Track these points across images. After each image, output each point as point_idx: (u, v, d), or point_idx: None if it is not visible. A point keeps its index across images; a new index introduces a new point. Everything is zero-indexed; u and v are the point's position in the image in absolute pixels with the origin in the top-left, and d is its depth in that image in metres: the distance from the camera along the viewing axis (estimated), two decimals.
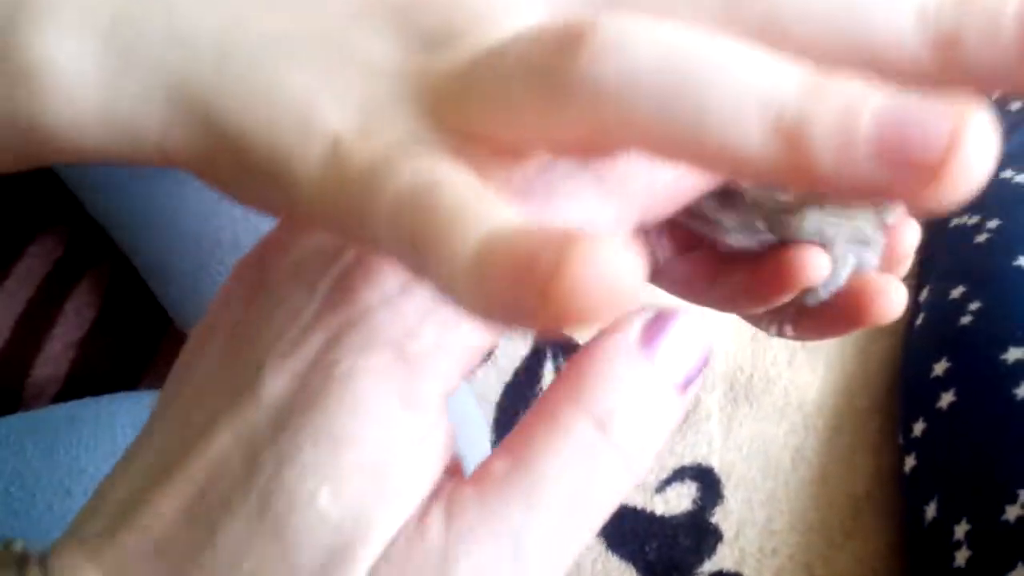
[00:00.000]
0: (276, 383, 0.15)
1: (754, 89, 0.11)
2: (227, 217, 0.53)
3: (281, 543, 0.14)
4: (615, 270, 0.10)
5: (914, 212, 0.10)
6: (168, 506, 0.15)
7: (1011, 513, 0.43)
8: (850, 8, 0.13)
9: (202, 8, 0.15)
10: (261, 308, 0.16)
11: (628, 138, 0.12)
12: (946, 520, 0.46)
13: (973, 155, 0.10)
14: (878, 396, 0.58)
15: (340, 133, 0.14)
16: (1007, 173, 0.61)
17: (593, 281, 0.10)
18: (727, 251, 0.22)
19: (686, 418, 0.55)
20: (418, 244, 0.12)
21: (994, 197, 0.60)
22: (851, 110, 0.11)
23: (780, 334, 0.25)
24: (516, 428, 0.15)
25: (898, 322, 0.62)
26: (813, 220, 0.21)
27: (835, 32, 0.13)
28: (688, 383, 0.15)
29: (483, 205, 0.12)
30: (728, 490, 0.54)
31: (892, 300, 0.21)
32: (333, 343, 0.15)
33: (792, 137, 0.11)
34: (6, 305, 0.58)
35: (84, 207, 0.59)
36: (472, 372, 0.15)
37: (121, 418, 0.48)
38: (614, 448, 0.14)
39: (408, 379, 0.14)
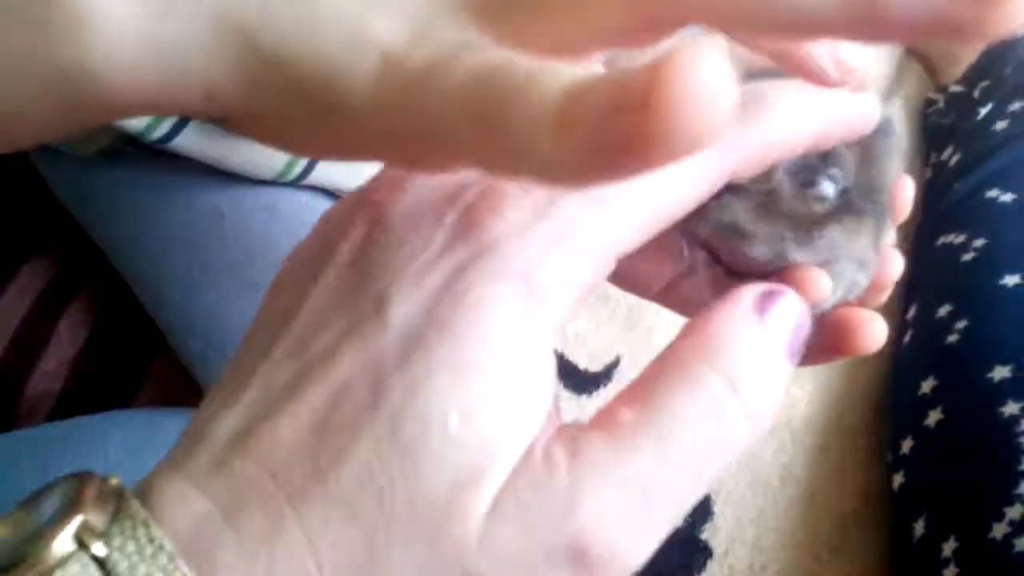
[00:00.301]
0: (403, 309, 0.15)
1: None
2: (219, 238, 0.53)
3: (412, 464, 0.14)
4: (714, 72, 0.10)
5: (970, 36, 0.11)
6: (288, 431, 0.14)
7: (998, 531, 0.43)
8: None
9: None
10: (384, 242, 0.16)
11: (692, 8, 0.13)
12: (934, 537, 0.46)
13: None
14: (866, 414, 0.58)
15: (390, 44, 0.14)
16: (993, 192, 0.61)
17: (694, 86, 0.10)
18: (739, 268, 0.23)
19: None
20: (491, 118, 0.12)
21: (980, 216, 0.60)
22: None
23: None
24: (639, 379, 0.15)
25: (889, 340, 0.62)
26: (831, 235, 0.22)
27: None
28: (792, 353, 0.16)
29: (552, 67, 0.12)
30: (718, 507, 0.54)
31: (875, 331, 0.21)
32: (461, 271, 0.15)
33: None
34: (1, 323, 0.58)
35: (79, 227, 0.59)
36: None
37: (114, 436, 0.48)
38: (741, 406, 0.15)
39: (533, 309, 0.15)
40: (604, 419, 0.15)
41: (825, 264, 0.22)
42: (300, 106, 0.15)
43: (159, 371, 0.60)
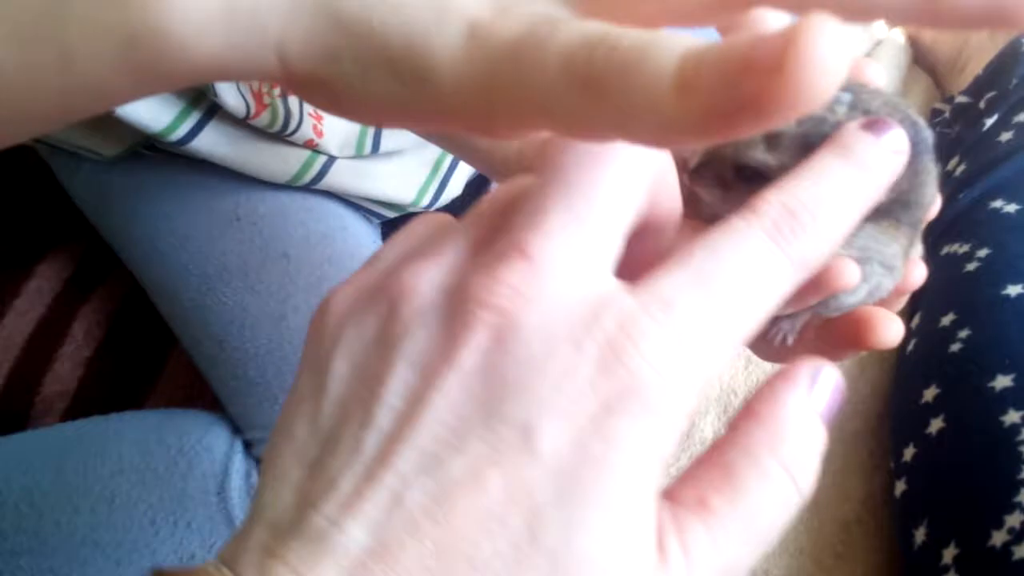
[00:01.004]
0: (554, 443, 0.15)
1: None
2: (233, 241, 0.54)
3: None
4: (836, 41, 0.11)
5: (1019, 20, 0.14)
6: (432, 558, 0.14)
7: (997, 538, 0.44)
8: None
9: None
10: (518, 360, 0.16)
11: None
12: (934, 544, 0.47)
13: None
14: (869, 421, 0.58)
15: (477, 15, 0.15)
16: (997, 203, 0.62)
17: (822, 52, 0.11)
18: None
19: (681, 441, 0.56)
20: (603, 83, 0.13)
21: (984, 226, 0.61)
22: None
23: (782, 342, 0.26)
24: (714, 461, 0.17)
25: (889, 350, 0.62)
26: (865, 235, 0.23)
27: None
28: (826, 420, 0.18)
29: (660, 35, 0.13)
30: None
31: (892, 327, 0.22)
32: (610, 410, 0.15)
33: None
34: (17, 324, 0.59)
35: (93, 228, 0.60)
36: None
37: (127, 436, 0.49)
38: (798, 492, 0.17)
39: (668, 444, 0.16)
40: (698, 506, 0.17)
41: (857, 261, 0.23)
42: (378, 74, 0.15)
43: (172, 371, 0.61)
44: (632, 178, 0.18)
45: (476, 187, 0.68)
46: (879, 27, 0.83)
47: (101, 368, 0.60)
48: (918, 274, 0.24)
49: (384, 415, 0.16)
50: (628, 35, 0.13)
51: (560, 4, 0.15)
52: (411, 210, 0.63)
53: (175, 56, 0.16)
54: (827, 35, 0.11)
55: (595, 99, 0.13)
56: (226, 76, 0.17)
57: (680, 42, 0.13)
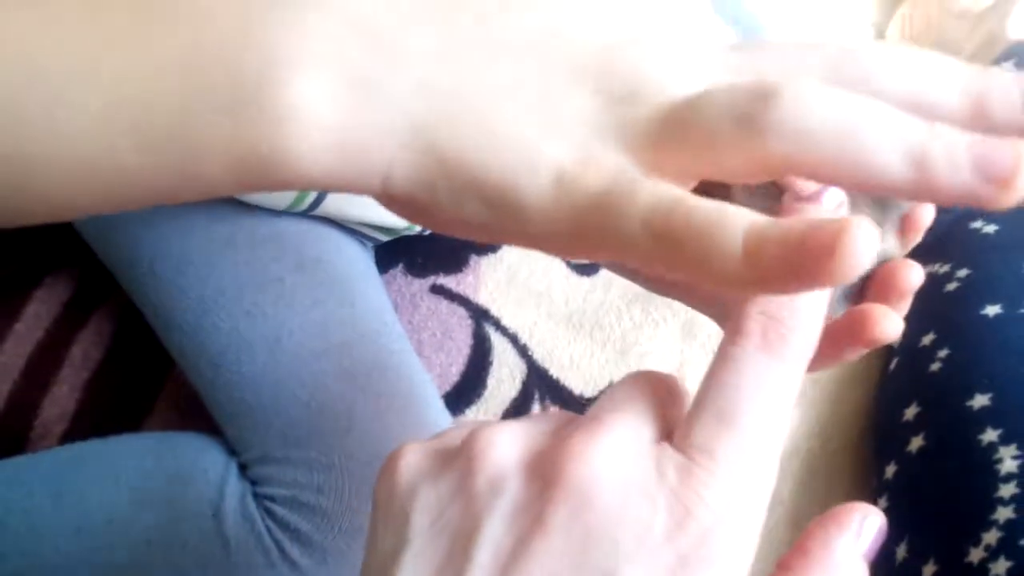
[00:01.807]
0: None
1: (896, 134, 0.16)
2: (230, 266, 0.55)
3: None
4: (869, 238, 0.15)
5: (989, 207, 0.17)
6: None
7: (974, 555, 0.45)
8: (918, 75, 0.18)
9: (438, 64, 0.18)
10: (602, 513, 0.18)
11: (799, 168, 0.17)
12: (915, 561, 0.48)
13: None
14: (853, 439, 0.60)
15: (564, 165, 0.17)
16: (976, 224, 0.63)
17: (863, 243, 0.14)
18: None
19: None
20: (679, 240, 0.16)
21: (964, 246, 0.62)
22: (956, 144, 0.16)
23: None
24: None
25: (872, 368, 0.64)
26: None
27: (908, 92, 0.18)
28: (868, 559, 0.20)
29: (732, 208, 0.16)
30: None
31: (891, 321, 0.24)
32: (685, 563, 0.18)
33: (922, 165, 0.16)
34: (16, 348, 0.60)
35: (90, 250, 0.61)
36: None
37: (125, 459, 0.50)
38: None
39: None
40: None
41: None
42: (471, 205, 0.18)
43: (169, 393, 0.62)
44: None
45: None
46: None
47: (100, 391, 0.61)
48: (915, 275, 0.25)
49: (477, 574, 0.18)
50: (703, 204, 0.16)
51: (630, 159, 0.18)
52: (404, 234, 0.64)
53: (288, 175, 0.18)
54: (865, 231, 0.15)
55: (671, 251, 0.16)
56: (335, 190, 0.19)
57: (746, 217, 0.16)
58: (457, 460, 0.20)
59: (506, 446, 0.20)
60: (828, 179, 0.17)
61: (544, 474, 0.19)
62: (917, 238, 0.27)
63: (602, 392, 0.63)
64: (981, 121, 0.18)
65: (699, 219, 0.16)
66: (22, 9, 0.17)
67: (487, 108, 0.18)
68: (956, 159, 0.16)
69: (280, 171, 0.18)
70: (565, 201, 0.17)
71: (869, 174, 0.17)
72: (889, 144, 0.16)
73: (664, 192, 0.17)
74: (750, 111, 0.17)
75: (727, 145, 0.17)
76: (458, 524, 0.19)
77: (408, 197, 0.18)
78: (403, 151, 0.18)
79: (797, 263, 0.15)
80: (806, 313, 0.20)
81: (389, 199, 0.19)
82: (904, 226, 0.26)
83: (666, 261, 0.17)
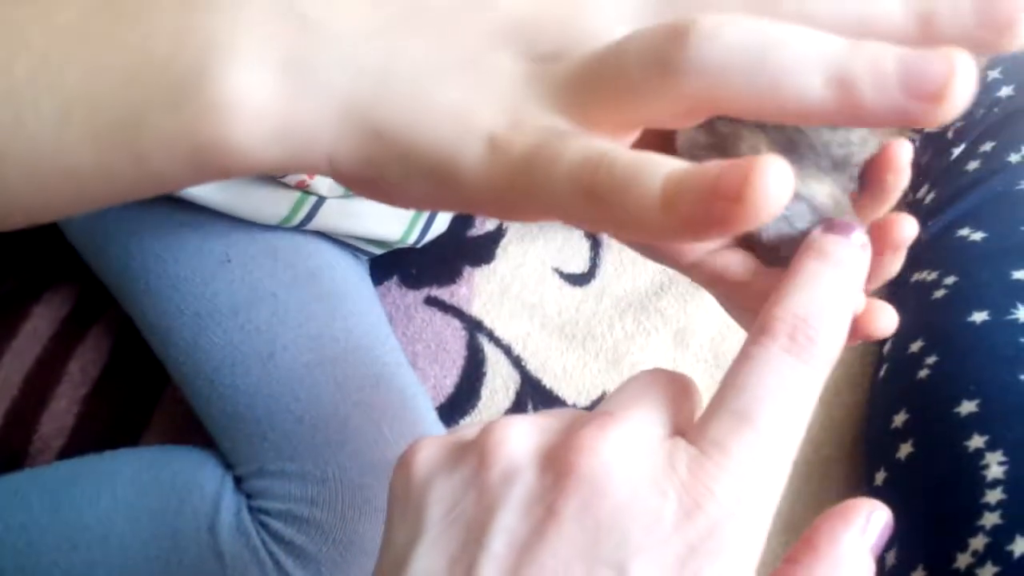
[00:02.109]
0: None
1: (813, 55, 0.16)
2: (224, 282, 0.56)
3: None
4: (783, 175, 0.14)
5: (923, 125, 0.16)
6: None
7: (961, 561, 0.45)
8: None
9: (362, 43, 0.18)
10: (613, 503, 0.18)
11: (722, 103, 0.17)
12: (904, 567, 0.48)
13: (962, 84, 0.15)
14: (844, 446, 0.60)
15: (494, 130, 0.18)
16: (964, 231, 0.64)
17: (773, 185, 0.14)
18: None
19: None
20: (602, 195, 0.16)
21: (952, 254, 0.63)
22: (880, 59, 0.16)
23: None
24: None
25: (863, 375, 0.64)
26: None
27: (846, 14, 0.18)
28: (875, 554, 0.20)
29: (653, 157, 0.16)
30: None
31: (886, 316, 0.24)
32: (694, 552, 0.18)
33: (844, 83, 0.16)
34: (14, 365, 0.61)
35: (89, 268, 0.62)
36: None
37: (122, 474, 0.51)
38: None
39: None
40: None
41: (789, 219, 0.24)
42: (415, 178, 0.18)
43: (167, 407, 0.63)
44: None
45: (462, 223, 0.71)
46: None
47: (98, 406, 0.62)
48: (908, 227, 0.24)
49: (489, 565, 0.18)
50: (623, 156, 0.16)
51: (563, 118, 0.18)
52: (398, 247, 0.65)
53: (238, 162, 0.18)
54: (773, 171, 0.14)
55: (597, 207, 0.16)
56: (283, 173, 0.20)
57: (664, 166, 0.16)
58: (471, 453, 0.20)
59: (520, 439, 0.20)
60: (751, 111, 0.17)
61: (556, 466, 0.19)
62: (897, 183, 0.25)
63: (596, 401, 0.63)
64: (929, 38, 0.17)
65: (620, 170, 0.16)
66: None
67: (417, 81, 0.18)
68: (881, 74, 0.15)
69: (231, 162, 0.18)
70: (498, 166, 0.17)
71: (787, 100, 0.16)
72: (806, 65, 0.16)
73: (591, 148, 0.17)
74: (663, 52, 0.17)
75: (647, 90, 0.17)
76: (472, 514, 0.19)
77: (355, 175, 0.19)
78: (343, 131, 0.18)
79: (711, 207, 0.15)
80: (835, 315, 0.20)
81: (339, 177, 0.19)
82: (872, 173, 0.25)
83: (595, 217, 0.17)
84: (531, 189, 0.17)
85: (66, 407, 0.61)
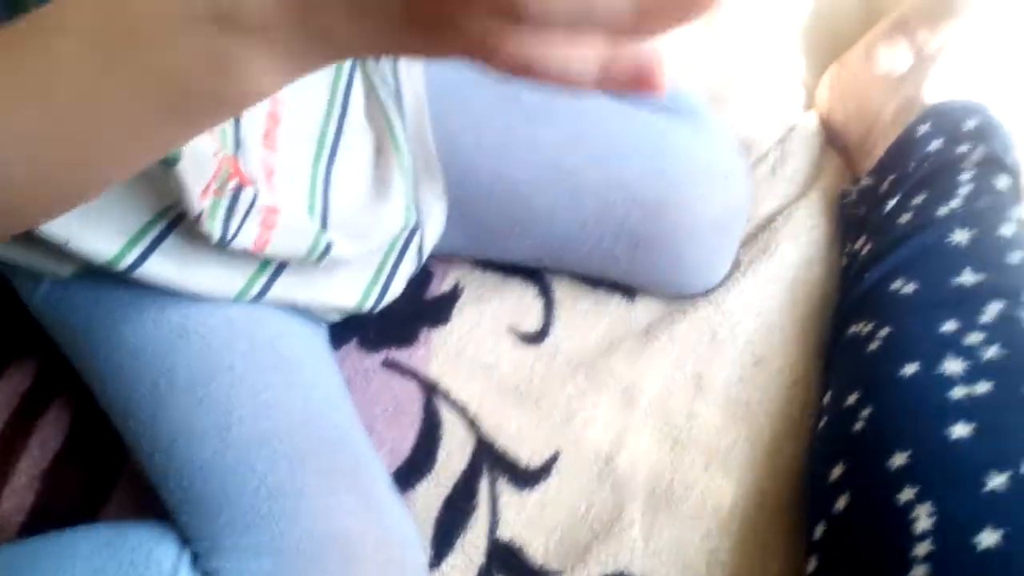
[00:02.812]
0: None
1: None
2: (182, 356, 0.57)
3: None
4: None
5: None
6: None
7: None
8: None
9: None
10: None
11: None
12: None
13: None
14: (788, 497, 0.62)
15: None
16: (897, 284, 0.66)
17: None
18: None
19: (609, 527, 0.59)
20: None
21: (885, 306, 0.65)
22: None
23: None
24: None
25: (807, 427, 0.66)
26: None
27: None
28: None
29: None
30: None
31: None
32: None
33: None
34: None
35: (50, 341, 0.63)
36: None
37: (79, 552, 0.51)
38: None
39: None
40: None
41: None
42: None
43: (126, 482, 0.63)
44: None
45: (418, 283, 0.73)
46: (793, 112, 0.89)
47: (58, 481, 0.62)
48: None
49: None
50: None
51: None
52: (355, 312, 0.66)
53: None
54: None
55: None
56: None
57: None
58: None
59: None
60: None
61: None
62: None
63: (549, 461, 0.65)
64: None
65: None
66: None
67: None
68: None
69: None
70: None
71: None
72: None
73: None
74: None
75: None
76: None
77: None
78: None
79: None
80: None
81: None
82: None
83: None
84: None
85: (26, 483, 0.62)
